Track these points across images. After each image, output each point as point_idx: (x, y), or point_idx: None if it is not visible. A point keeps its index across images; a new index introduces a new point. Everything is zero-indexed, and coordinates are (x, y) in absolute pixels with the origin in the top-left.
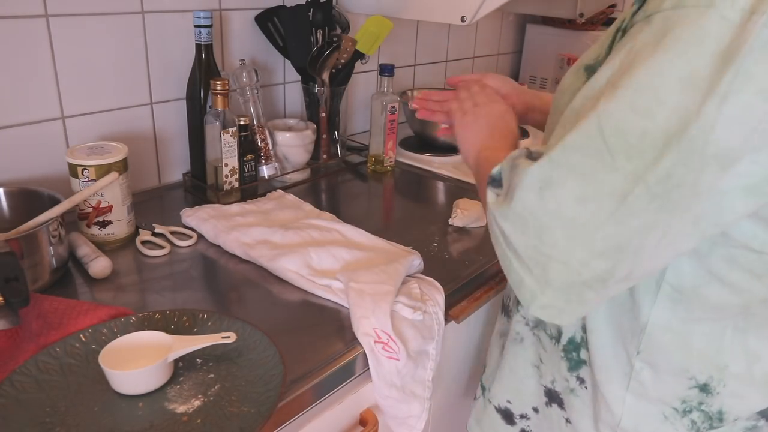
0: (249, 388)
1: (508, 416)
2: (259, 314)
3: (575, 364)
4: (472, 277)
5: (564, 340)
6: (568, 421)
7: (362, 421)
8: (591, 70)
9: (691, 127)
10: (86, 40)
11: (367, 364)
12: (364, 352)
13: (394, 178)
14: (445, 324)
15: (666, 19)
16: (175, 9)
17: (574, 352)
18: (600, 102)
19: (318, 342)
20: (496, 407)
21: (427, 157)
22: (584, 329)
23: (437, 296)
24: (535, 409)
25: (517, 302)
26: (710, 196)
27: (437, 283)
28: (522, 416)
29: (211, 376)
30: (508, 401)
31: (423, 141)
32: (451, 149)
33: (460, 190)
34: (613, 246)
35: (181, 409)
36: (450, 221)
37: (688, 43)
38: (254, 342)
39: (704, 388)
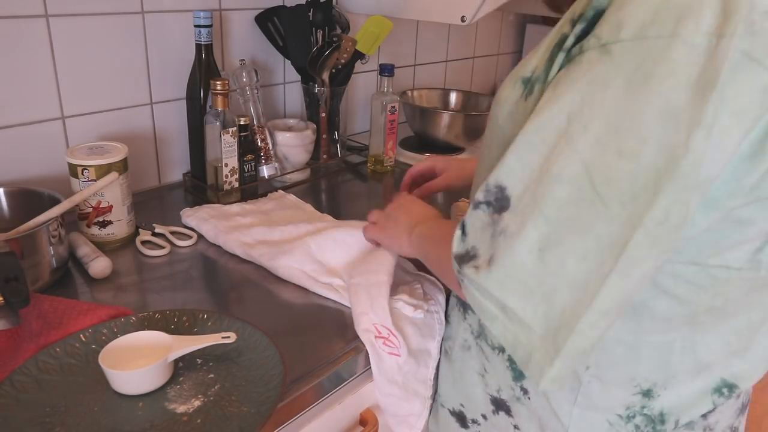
0: (249, 388)
1: (461, 419)
2: (259, 314)
3: (519, 374)
4: None
5: (508, 352)
6: (516, 427)
7: (362, 421)
8: (527, 83)
9: (681, 163)
10: (86, 40)
11: (368, 364)
12: (365, 353)
13: (394, 178)
14: (446, 324)
15: (629, 51)
16: (175, 9)
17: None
18: (582, 149)
19: (318, 342)
20: (450, 410)
21: (427, 157)
22: None
23: (439, 296)
24: (484, 416)
25: (462, 310)
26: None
27: (439, 283)
28: (473, 421)
29: (211, 376)
30: (462, 405)
31: (423, 141)
32: (451, 149)
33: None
34: (619, 302)
35: (181, 409)
36: None
37: (661, 77)
38: (254, 342)
39: (647, 393)
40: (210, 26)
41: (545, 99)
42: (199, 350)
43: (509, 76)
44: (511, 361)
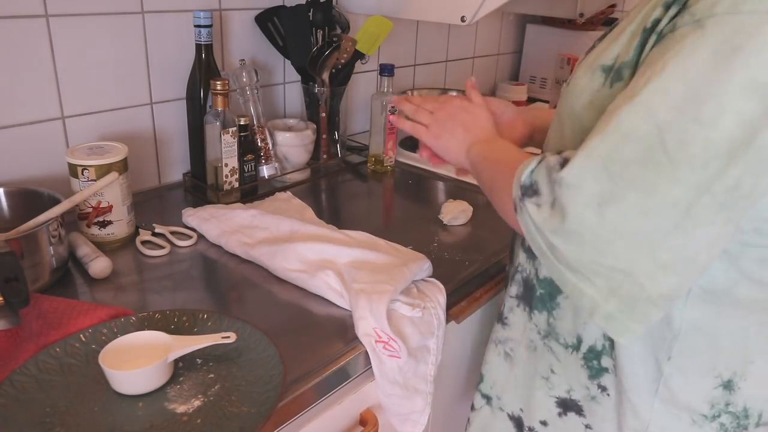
0: (249, 388)
1: (519, 425)
2: (259, 314)
3: (596, 372)
4: (472, 277)
5: (584, 348)
6: (588, 427)
7: (362, 421)
8: (609, 71)
9: (758, 135)
10: (86, 40)
11: (368, 364)
12: (364, 352)
13: (394, 178)
14: (446, 324)
15: (721, 24)
16: (175, 9)
17: (595, 360)
18: (657, 112)
19: (318, 342)
20: (509, 414)
21: None
22: (607, 337)
23: (438, 295)
24: (543, 422)
25: (530, 309)
26: (763, 199)
27: (438, 283)
28: (530, 429)
29: (211, 376)
30: (521, 409)
31: None
32: None
33: (459, 189)
34: (680, 258)
35: (181, 409)
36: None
37: (750, 51)
38: (254, 342)
39: (728, 385)
40: (210, 26)
41: (638, 74)
42: (199, 350)
43: (583, 66)
44: (586, 359)
